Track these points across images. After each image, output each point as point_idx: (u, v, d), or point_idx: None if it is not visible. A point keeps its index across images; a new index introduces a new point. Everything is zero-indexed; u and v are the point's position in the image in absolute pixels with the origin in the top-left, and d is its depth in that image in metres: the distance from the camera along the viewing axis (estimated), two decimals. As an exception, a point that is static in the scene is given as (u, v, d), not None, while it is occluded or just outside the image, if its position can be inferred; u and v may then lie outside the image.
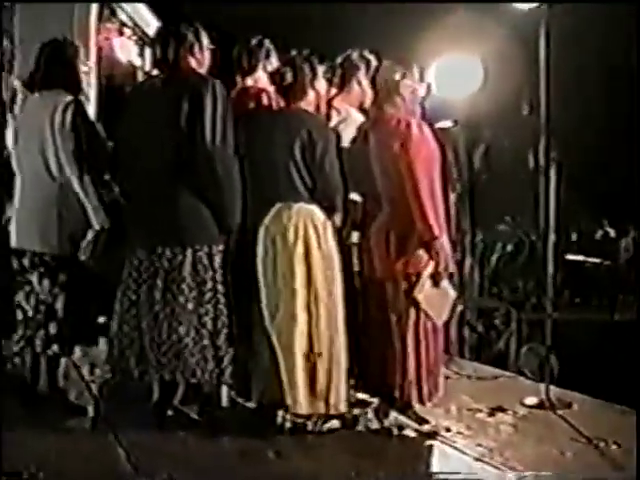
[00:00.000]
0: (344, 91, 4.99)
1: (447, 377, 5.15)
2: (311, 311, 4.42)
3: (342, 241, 4.58)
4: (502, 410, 4.99)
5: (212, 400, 4.57)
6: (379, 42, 5.37)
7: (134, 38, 8.63)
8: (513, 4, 5.99)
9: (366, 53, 5.01)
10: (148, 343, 4.40)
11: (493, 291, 11.20)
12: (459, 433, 4.59)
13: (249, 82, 4.91)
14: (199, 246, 4.41)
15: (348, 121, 4.87)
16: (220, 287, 4.43)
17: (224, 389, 4.61)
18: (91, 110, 6.08)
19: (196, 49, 4.51)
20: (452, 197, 5.81)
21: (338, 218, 4.54)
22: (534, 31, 5.69)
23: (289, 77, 4.53)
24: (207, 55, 4.57)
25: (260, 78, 4.90)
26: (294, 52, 4.64)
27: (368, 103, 4.88)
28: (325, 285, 4.43)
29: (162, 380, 4.43)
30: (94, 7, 7.40)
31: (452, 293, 4.67)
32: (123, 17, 8.42)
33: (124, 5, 8.35)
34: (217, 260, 4.42)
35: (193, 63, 4.51)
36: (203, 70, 4.55)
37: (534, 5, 5.66)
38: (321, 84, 4.63)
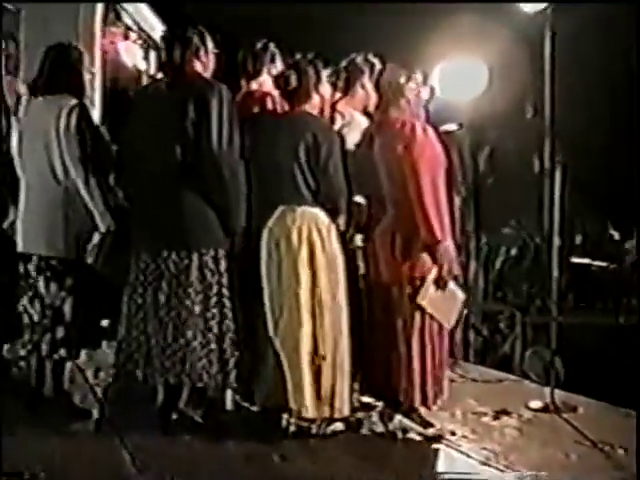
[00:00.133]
0: (348, 95, 4.99)
1: (452, 380, 5.16)
2: (315, 314, 4.42)
3: (346, 244, 4.58)
4: (507, 413, 4.98)
5: (217, 403, 4.58)
6: (384, 44, 5.37)
7: (139, 42, 8.66)
8: (518, 7, 5.98)
9: (370, 57, 5.01)
10: (154, 346, 4.41)
11: (498, 294, 11.17)
12: (464, 437, 4.59)
13: (254, 86, 4.91)
14: (205, 250, 4.41)
15: (352, 125, 4.87)
16: (225, 291, 4.43)
17: (229, 393, 4.61)
18: (96, 114, 6.10)
19: (201, 53, 4.52)
20: (457, 201, 5.81)
21: (342, 221, 4.54)
22: (539, 34, 5.68)
23: (293, 81, 4.53)
24: (212, 59, 4.58)
25: (265, 82, 4.90)
26: (298, 56, 4.65)
27: (372, 106, 4.88)
28: (329, 288, 4.43)
29: (167, 383, 4.44)
30: (99, 11, 7.42)
31: (461, 296, 4.66)
32: (128, 21, 8.45)
33: (129, 9, 8.37)
34: (223, 264, 4.43)
35: (198, 67, 4.52)
36: (208, 74, 4.56)
37: (539, 8, 5.66)
38: (325, 88, 4.64)
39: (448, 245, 4.51)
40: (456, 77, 7.90)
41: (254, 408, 4.56)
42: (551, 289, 5.85)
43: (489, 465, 4.19)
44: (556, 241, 5.90)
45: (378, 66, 4.93)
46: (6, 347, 4.90)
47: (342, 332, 4.45)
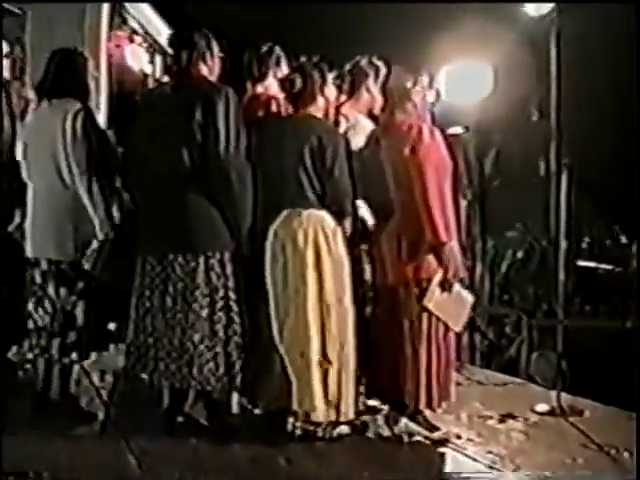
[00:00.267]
0: (353, 98, 4.99)
1: (458, 384, 5.14)
2: (321, 317, 4.41)
3: (352, 247, 4.58)
4: (513, 417, 4.97)
5: (222, 406, 4.57)
6: (390, 47, 5.37)
7: (145, 45, 8.68)
8: (523, 10, 5.99)
9: (375, 60, 5.01)
10: (160, 349, 4.41)
11: (504, 298, 11.14)
12: (470, 440, 4.58)
13: (259, 89, 4.91)
14: (211, 253, 4.41)
15: (357, 128, 4.86)
16: (232, 294, 4.43)
17: (234, 396, 4.61)
18: (102, 117, 6.11)
19: (208, 56, 4.53)
20: (463, 203, 5.81)
21: (348, 223, 4.54)
22: (544, 37, 5.69)
23: (299, 83, 4.53)
24: (218, 62, 4.59)
25: (270, 85, 4.90)
26: (304, 59, 4.65)
27: (377, 109, 4.88)
28: (335, 291, 4.43)
29: (172, 387, 4.44)
30: (105, 15, 7.44)
31: (469, 298, 4.66)
32: (134, 24, 8.47)
33: (135, 13, 8.39)
34: (229, 267, 4.43)
35: (204, 71, 4.53)
36: (213, 77, 4.57)
37: (544, 11, 5.66)
38: (330, 91, 4.64)
39: (453, 247, 4.51)
40: (462, 80, 7.91)
41: (260, 411, 4.56)
42: (557, 292, 5.86)
43: (495, 468, 4.19)
44: (562, 244, 5.90)
45: (383, 69, 4.93)
46: (13, 350, 4.90)
47: (348, 335, 4.44)
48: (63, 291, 4.59)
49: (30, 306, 4.66)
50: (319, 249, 4.43)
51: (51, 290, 4.61)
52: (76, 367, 4.72)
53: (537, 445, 4.56)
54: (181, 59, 4.50)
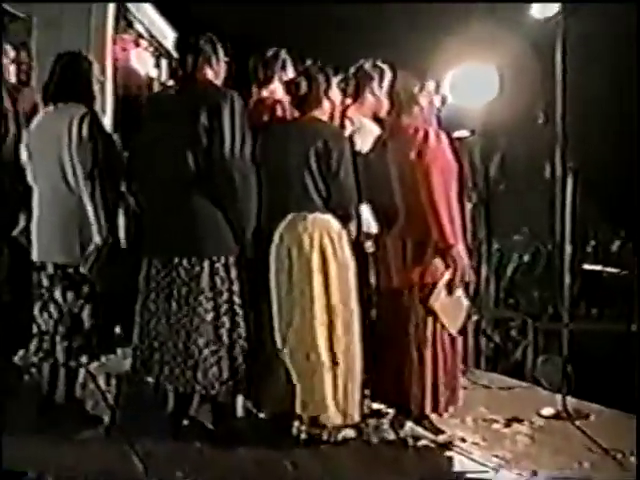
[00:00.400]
0: (358, 101, 4.99)
1: (463, 387, 5.13)
2: (328, 320, 4.41)
3: (358, 250, 4.58)
4: (518, 421, 4.96)
5: (227, 410, 4.57)
6: (396, 50, 5.38)
7: (150, 49, 8.69)
8: (529, 13, 5.98)
9: (379, 63, 5.01)
10: (165, 353, 4.41)
11: (509, 301, 11.12)
12: (475, 444, 4.57)
13: (265, 93, 4.92)
14: (216, 257, 4.42)
15: (362, 131, 4.87)
16: (236, 298, 4.44)
17: (239, 399, 4.61)
18: (107, 121, 6.12)
19: (213, 61, 4.54)
20: (468, 206, 5.80)
21: (353, 227, 4.54)
22: (550, 40, 5.68)
23: (304, 87, 4.54)
24: (223, 66, 4.60)
25: (276, 89, 4.91)
26: (309, 62, 4.65)
27: (383, 113, 4.88)
28: (341, 295, 4.43)
29: (177, 390, 4.44)
30: (110, 18, 7.45)
31: (465, 302, 4.67)
32: (140, 28, 8.48)
33: (140, 16, 8.40)
34: (233, 271, 4.43)
35: (210, 75, 4.54)
36: (219, 81, 4.58)
37: (550, 14, 5.65)
38: (335, 94, 4.64)
39: (460, 249, 4.51)
40: (467, 83, 7.89)
41: (265, 415, 4.56)
42: (563, 296, 5.83)
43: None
44: (568, 248, 5.88)
45: (388, 72, 4.94)
46: (19, 354, 4.91)
47: (353, 338, 4.44)
48: (70, 295, 4.59)
49: (35, 310, 4.66)
50: (325, 252, 4.43)
51: (58, 294, 4.61)
52: (82, 371, 4.73)
53: (543, 449, 4.55)
54: (187, 63, 4.51)
